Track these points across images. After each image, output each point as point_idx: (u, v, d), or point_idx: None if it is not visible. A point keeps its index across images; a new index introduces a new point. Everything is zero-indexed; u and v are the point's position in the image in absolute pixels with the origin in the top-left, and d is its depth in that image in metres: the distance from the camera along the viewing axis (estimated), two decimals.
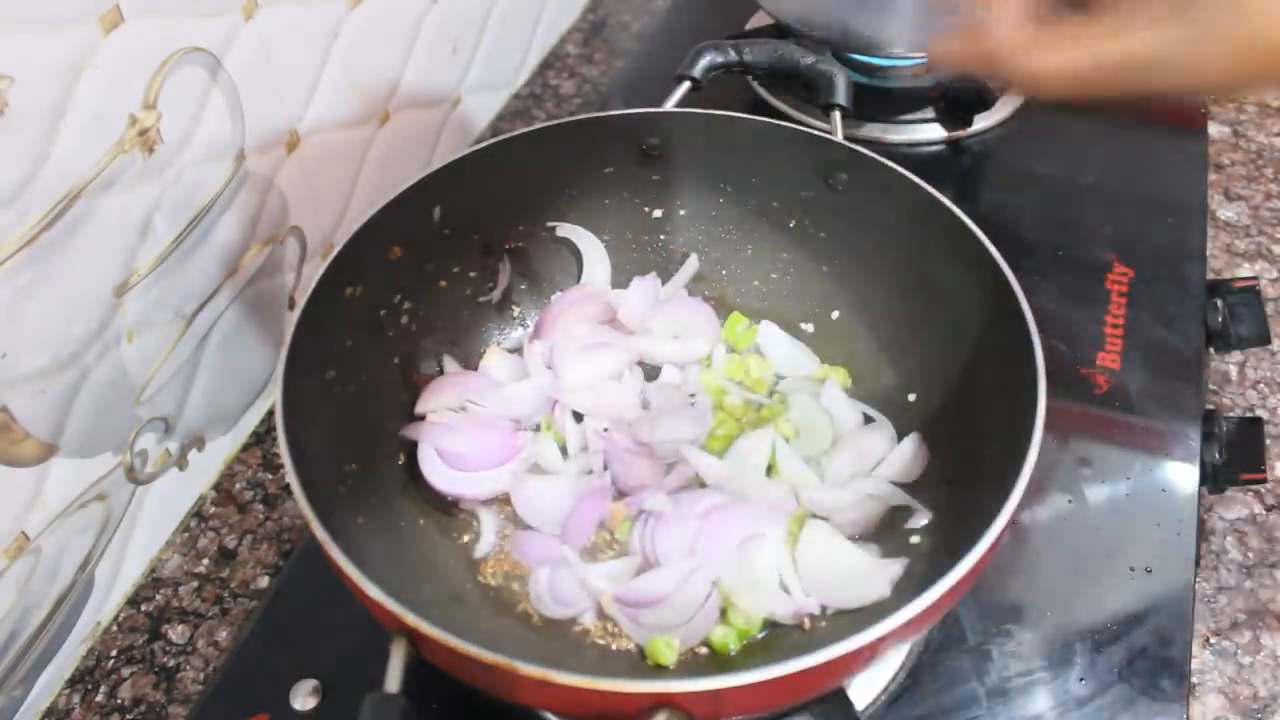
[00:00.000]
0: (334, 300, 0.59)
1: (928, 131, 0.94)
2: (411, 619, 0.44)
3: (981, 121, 0.94)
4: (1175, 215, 0.87)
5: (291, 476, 0.49)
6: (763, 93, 0.98)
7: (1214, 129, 1.06)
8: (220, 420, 0.76)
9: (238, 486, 0.77)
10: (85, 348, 0.61)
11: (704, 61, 0.81)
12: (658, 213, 0.75)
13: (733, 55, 0.82)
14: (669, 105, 0.76)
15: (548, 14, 1.12)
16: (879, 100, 0.96)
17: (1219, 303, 0.79)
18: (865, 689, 0.59)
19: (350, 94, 0.81)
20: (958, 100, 0.94)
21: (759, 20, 1.05)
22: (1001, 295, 0.57)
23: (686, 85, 0.79)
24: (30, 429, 0.58)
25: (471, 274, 0.71)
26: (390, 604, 0.44)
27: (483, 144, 0.67)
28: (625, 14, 1.22)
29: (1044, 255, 0.84)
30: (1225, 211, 0.98)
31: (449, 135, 0.97)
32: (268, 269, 0.76)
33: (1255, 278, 0.82)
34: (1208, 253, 0.84)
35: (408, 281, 0.66)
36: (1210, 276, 0.84)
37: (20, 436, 0.58)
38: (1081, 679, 0.60)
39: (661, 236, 0.76)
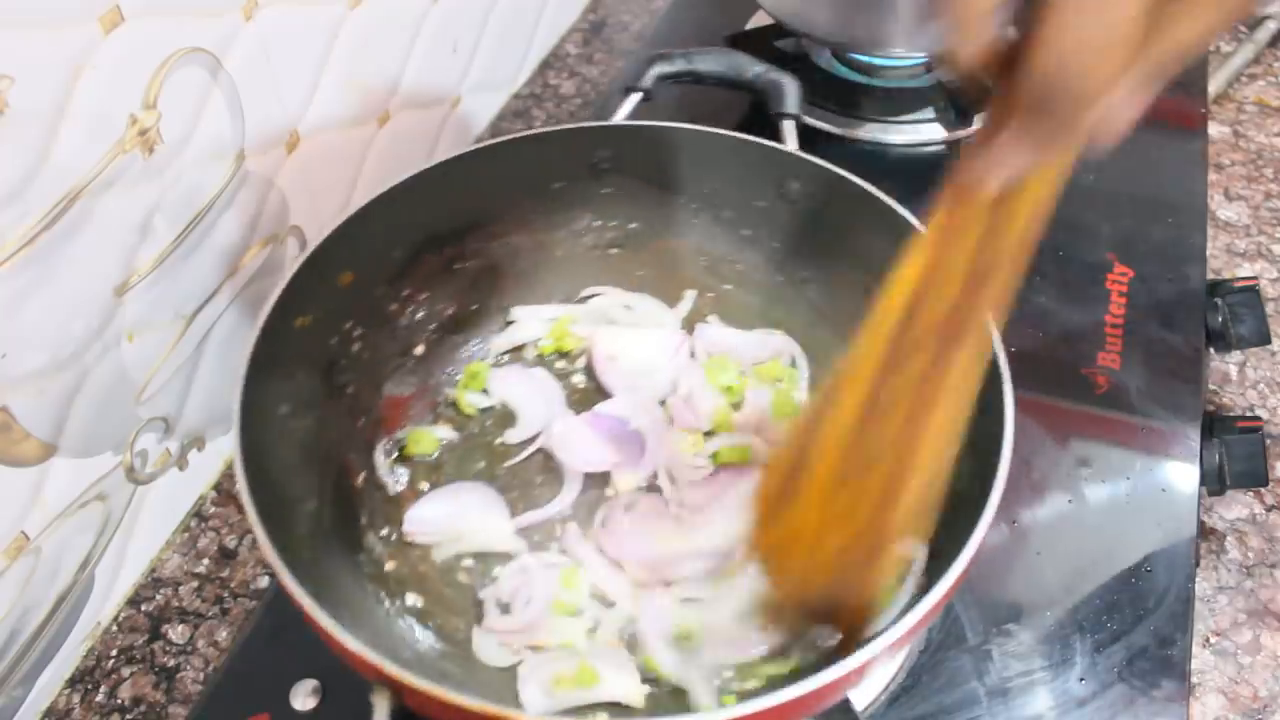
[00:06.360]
0: (285, 334, 0.57)
1: (928, 131, 0.94)
2: (394, 670, 0.42)
3: (981, 121, 0.94)
4: (1175, 215, 0.87)
5: (261, 536, 0.47)
6: None
7: (1214, 129, 1.06)
8: (220, 420, 0.76)
9: (238, 486, 0.76)
10: (85, 348, 0.61)
11: (653, 72, 0.80)
12: (610, 226, 0.75)
13: (681, 65, 0.81)
14: (619, 118, 0.75)
15: (548, 14, 1.12)
16: (879, 100, 0.96)
17: (1219, 303, 0.79)
18: (865, 689, 0.59)
19: (350, 94, 0.81)
20: (958, 100, 0.94)
21: (759, 20, 1.05)
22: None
23: (637, 97, 0.78)
24: (30, 429, 0.58)
25: (423, 296, 0.69)
26: (370, 656, 0.43)
27: (428, 165, 0.65)
28: (625, 14, 1.22)
29: (1044, 255, 0.83)
30: (1225, 211, 0.98)
31: (449, 135, 0.97)
32: (268, 269, 0.76)
33: (1255, 278, 0.82)
34: (1208, 253, 0.84)
35: (358, 308, 0.64)
36: (1210, 276, 0.84)
37: (20, 436, 0.58)
38: (1081, 679, 0.60)
39: (613, 251, 0.75)
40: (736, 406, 0.70)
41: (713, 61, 0.81)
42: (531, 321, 0.74)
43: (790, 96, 0.78)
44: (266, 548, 0.47)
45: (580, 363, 0.74)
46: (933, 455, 0.43)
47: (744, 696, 0.55)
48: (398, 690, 0.43)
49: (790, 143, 0.71)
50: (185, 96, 0.63)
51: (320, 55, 0.76)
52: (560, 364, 0.74)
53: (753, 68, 0.80)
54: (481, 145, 0.67)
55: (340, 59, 0.78)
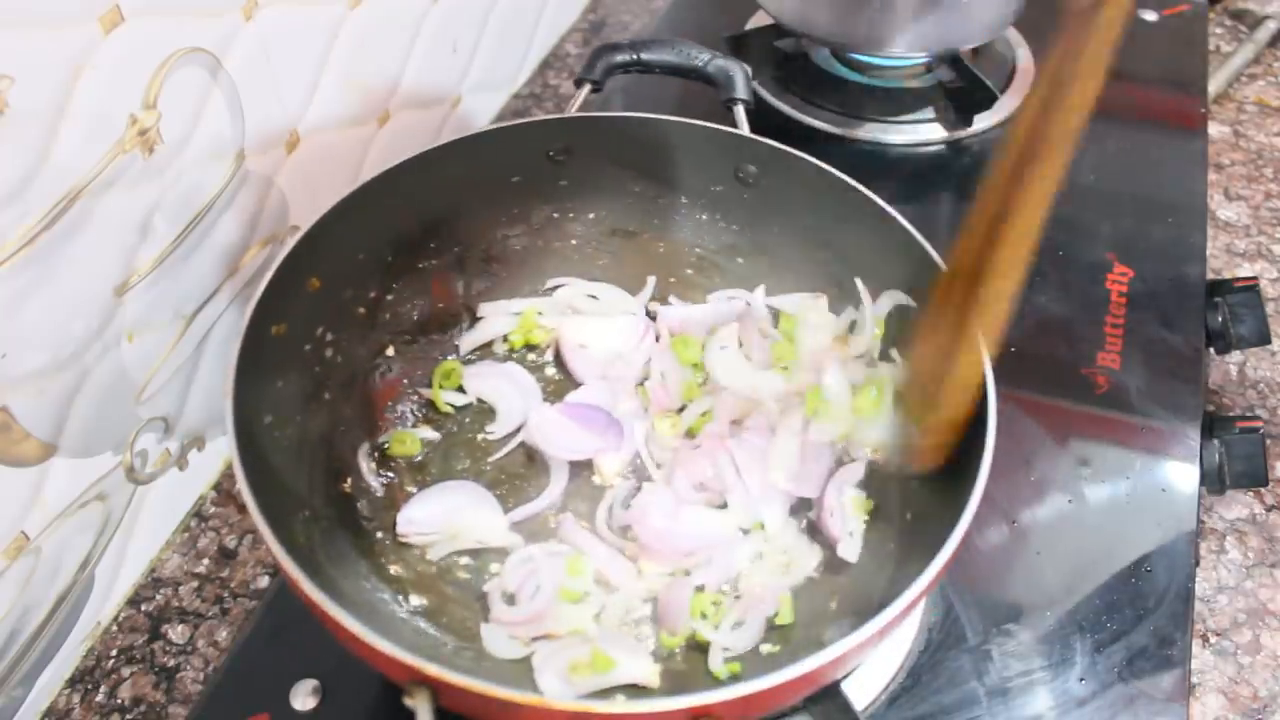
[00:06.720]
0: (265, 343, 0.58)
1: (928, 131, 0.94)
2: (435, 670, 0.42)
3: (981, 121, 0.94)
4: (1175, 215, 0.87)
5: (293, 570, 0.47)
6: (764, 93, 0.98)
7: (1214, 129, 1.06)
8: (220, 420, 0.76)
9: (237, 486, 0.77)
10: (85, 348, 0.61)
11: (602, 64, 0.80)
12: (569, 218, 0.75)
13: (630, 55, 0.81)
14: (572, 110, 0.75)
15: (548, 14, 1.12)
16: (879, 100, 0.96)
17: (1219, 303, 0.79)
18: (865, 688, 0.59)
19: (350, 94, 0.81)
20: (958, 100, 0.95)
21: (759, 20, 1.05)
22: (927, 276, 0.58)
23: (588, 88, 0.79)
24: (30, 429, 0.58)
25: (389, 298, 0.70)
26: (407, 658, 0.43)
27: (387, 168, 0.65)
28: (625, 14, 1.22)
29: (1044, 255, 0.84)
30: (1225, 211, 0.98)
31: (449, 135, 0.97)
32: (267, 269, 0.76)
33: (1255, 278, 0.82)
34: (1208, 253, 0.85)
35: (328, 313, 0.65)
36: (1210, 276, 0.84)
37: (20, 436, 0.58)
38: (1081, 679, 0.60)
39: (573, 241, 0.76)
40: (704, 381, 0.71)
41: (661, 51, 0.82)
42: (498, 316, 0.75)
43: (740, 82, 0.78)
44: (292, 570, 0.47)
45: (550, 354, 0.74)
46: (1012, 256, 0.52)
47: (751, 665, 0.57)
48: (435, 690, 0.44)
49: (743, 127, 0.72)
50: (185, 96, 0.63)
51: (320, 55, 0.76)
52: (531, 356, 0.74)
53: (701, 55, 0.81)
54: (436, 145, 0.67)
55: (340, 59, 0.78)
